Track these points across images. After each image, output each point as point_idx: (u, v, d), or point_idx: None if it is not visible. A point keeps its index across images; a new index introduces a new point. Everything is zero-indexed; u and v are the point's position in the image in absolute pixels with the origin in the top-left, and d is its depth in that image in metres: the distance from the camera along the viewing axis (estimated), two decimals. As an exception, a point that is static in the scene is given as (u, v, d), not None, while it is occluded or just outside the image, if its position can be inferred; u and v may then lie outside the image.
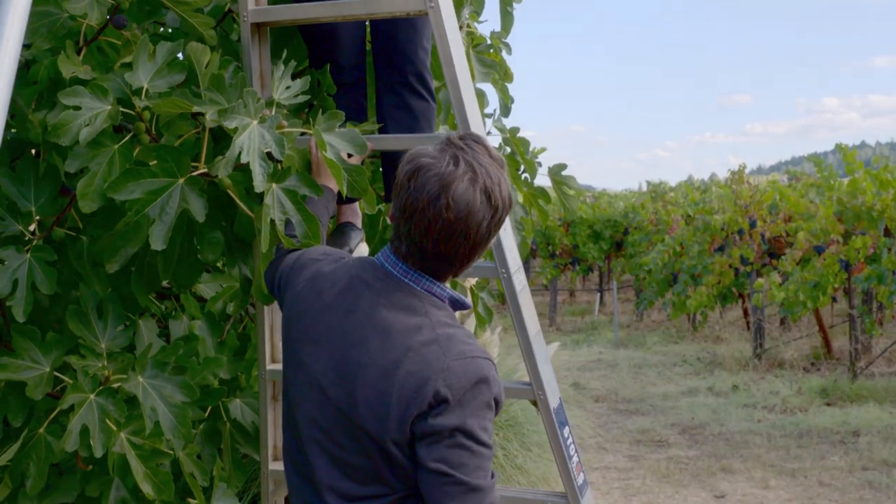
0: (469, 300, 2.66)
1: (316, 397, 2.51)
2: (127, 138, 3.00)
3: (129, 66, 3.09)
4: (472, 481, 2.33)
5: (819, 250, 12.80)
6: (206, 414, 3.62)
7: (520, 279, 3.25)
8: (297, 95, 3.13)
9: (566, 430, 3.31)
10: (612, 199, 24.08)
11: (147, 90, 2.99)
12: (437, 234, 2.38)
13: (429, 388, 2.33)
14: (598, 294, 23.95)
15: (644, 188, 24.14)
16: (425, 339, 2.40)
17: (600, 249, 21.95)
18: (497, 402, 2.42)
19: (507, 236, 3.23)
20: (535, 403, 3.32)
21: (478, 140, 2.46)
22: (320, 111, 3.01)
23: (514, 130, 4.44)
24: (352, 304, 2.51)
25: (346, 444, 2.45)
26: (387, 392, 2.37)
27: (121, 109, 2.96)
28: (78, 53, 3.19)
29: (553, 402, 3.28)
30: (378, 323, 2.44)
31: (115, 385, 3.09)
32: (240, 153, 2.77)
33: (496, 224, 2.43)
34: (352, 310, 2.50)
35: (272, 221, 2.88)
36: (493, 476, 2.42)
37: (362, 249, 3.72)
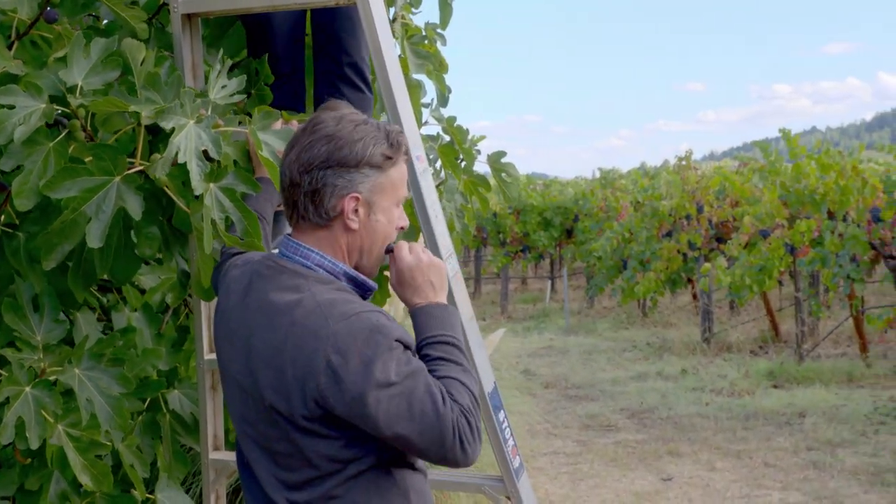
0: (374, 283, 2.66)
1: (238, 393, 2.57)
2: (62, 136, 3.00)
3: (62, 60, 3.09)
4: (426, 426, 2.35)
5: (764, 234, 12.93)
6: (146, 406, 3.64)
7: (452, 265, 3.28)
8: (232, 95, 3.15)
9: (501, 414, 3.34)
10: (562, 187, 24.15)
11: (82, 87, 2.99)
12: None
13: (318, 359, 2.35)
14: (550, 281, 24.04)
15: (596, 176, 24.28)
16: (306, 309, 2.41)
17: (551, 237, 22.02)
18: (402, 343, 2.40)
19: (439, 223, 3.26)
20: (469, 388, 3.34)
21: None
22: (256, 109, 3.03)
23: (451, 120, 4.49)
24: (248, 297, 2.57)
25: (269, 433, 2.48)
26: (282, 370, 2.40)
27: (55, 107, 2.96)
28: (9, 48, 3.19)
29: (487, 386, 3.31)
30: (266, 307, 2.49)
31: (52, 378, 3.10)
32: (177, 153, 2.79)
33: (306, 167, 2.49)
34: (248, 303, 2.56)
35: (213, 222, 2.90)
36: (438, 387, 2.39)
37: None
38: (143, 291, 3.98)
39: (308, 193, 2.50)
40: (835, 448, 8.95)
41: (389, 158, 2.51)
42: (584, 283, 24.03)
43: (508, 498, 3.41)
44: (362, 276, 2.59)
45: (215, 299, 3.02)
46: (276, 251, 2.64)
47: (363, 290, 2.60)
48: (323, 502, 2.48)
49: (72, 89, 2.97)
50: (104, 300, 4.00)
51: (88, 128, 3.06)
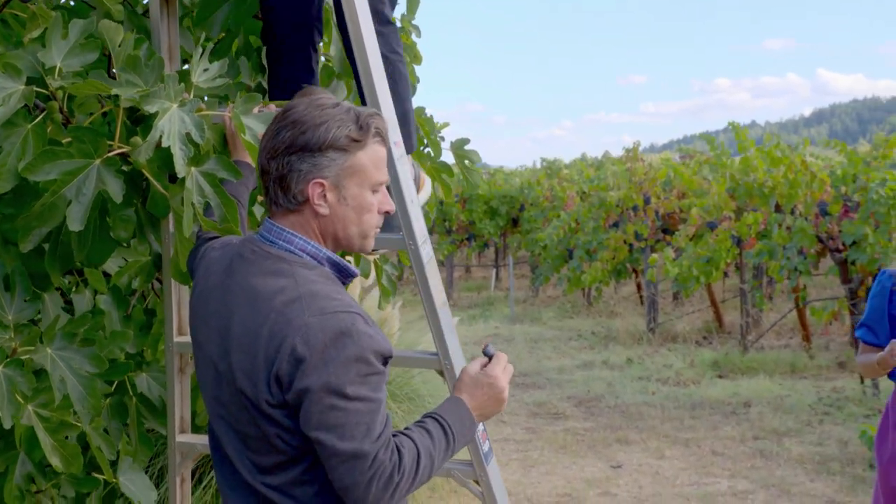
0: (356, 269, 2.66)
1: (212, 374, 2.56)
2: (40, 118, 2.98)
3: (37, 41, 3.07)
4: (349, 447, 2.32)
5: (712, 226, 13.05)
6: (113, 388, 3.62)
7: (427, 250, 3.30)
8: (215, 78, 3.14)
9: (472, 399, 3.36)
10: (507, 176, 24.19)
11: (61, 69, 2.97)
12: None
13: (286, 346, 2.34)
14: (494, 270, 24.11)
15: (539, 166, 24.33)
16: (288, 298, 2.41)
17: (496, 226, 22.07)
18: (377, 354, 2.39)
19: (415, 208, 3.27)
20: (441, 373, 3.36)
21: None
22: (239, 93, 3.03)
23: (420, 110, 4.52)
24: (230, 279, 2.55)
25: (239, 416, 2.48)
26: (255, 354, 2.39)
27: (35, 89, 2.94)
28: (-18, 26, 3.18)
29: (459, 371, 3.33)
30: (248, 291, 2.48)
31: (23, 357, 3.08)
32: (161, 137, 2.78)
33: (283, 148, 2.48)
34: (230, 285, 2.54)
35: (193, 205, 2.89)
36: (384, 427, 2.38)
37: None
38: (106, 274, 3.96)
39: (276, 179, 2.50)
40: (781, 437, 9.06)
41: (356, 141, 2.48)
42: (528, 272, 24.10)
43: (477, 482, 3.43)
44: (344, 262, 2.59)
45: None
46: (257, 235, 2.63)
47: (344, 276, 2.60)
48: (296, 486, 2.49)
49: (50, 71, 2.96)
50: (65, 282, 3.97)
51: (65, 110, 3.05)
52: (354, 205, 2.53)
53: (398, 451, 2.41)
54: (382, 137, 2.56)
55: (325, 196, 2.49)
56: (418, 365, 3.46)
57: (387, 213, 2.61)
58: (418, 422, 2.57)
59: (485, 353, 2.75)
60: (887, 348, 4.09)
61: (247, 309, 2.46)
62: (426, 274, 3.29)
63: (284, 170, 2.47)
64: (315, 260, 2.54)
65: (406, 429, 2.53)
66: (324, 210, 2.50)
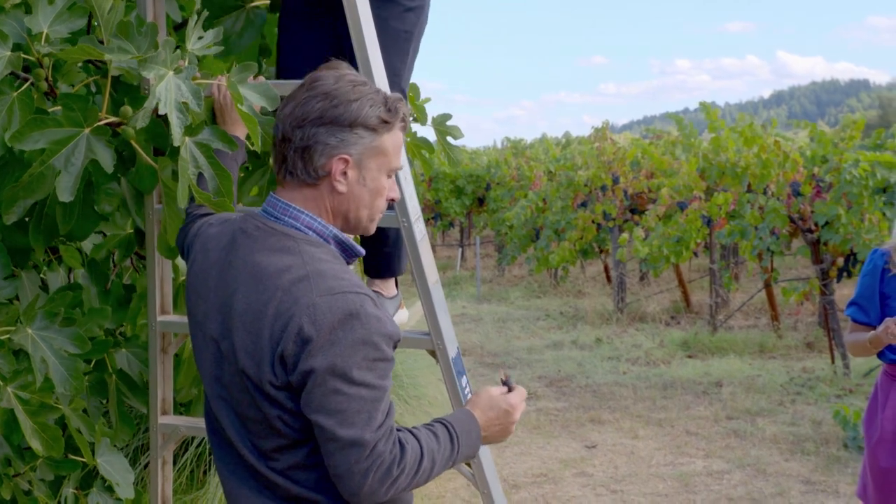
0: (361, 248, 2.59)
1: (212, 353, 2.49)
2: (26, 85, 2.88)
3: (18, 6, 2.97)
4: (348, 434, 2.26)
5: (682, 206, 13.05)
6: (92, 366, 3.54)
7: (420, 228, 3.23)
8: (210, 46, 3.04)
9: (464, 379, 3.32)
10: (473, 155, 24.17)
11: (48, 35, 2.87)
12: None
13: (293, 326, 2.28)
14: (460, 249, 24.10)
15: (499, 145, 24.35)
16: (295, 276, 2.35)
17: (462, 205, 22.08)
18: (386, 338, 2.33)
19: (408, 185, 3.21)
20: (433, 353, 3.31)
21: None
22: (234, 61, 2.93)
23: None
24: (232, 255, 2.49)
25: (240, 398, 2.42)
26: (260, 334, 2.34)
27: (22, 55, 2.84)
28: (-42, -9, 3.07)
29: (451, 351, 3.28)
30: (252, 268, 2.42)
31: (2, 337, 2.99)
32: (157, 104, 2.68)
33: (311, 117, 2.42)
34: (231, 260, 2.48)
35: (188, 176, 2.80)
36: (386, 417, 2.32)
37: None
38: (79, 250, 3.86)
39: (299, 150, 2.43)
40: (754, 417, 9.06)
41: (385, 122, 2.44)
42: (492, 252, 24.09)
43: (469, 464, 3.40)
44: (350, 241, 2.53)
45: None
46: (260, 210, 2.55)
47: (349, 255, 2.55)
48: (299, 471, 2.44)
49: (37, 37, 2.85)
50: (39, 259, 3.88)
51: (50, 78, 2.95)
52: (371, 187, 2.49)
53: (401, 445, 2.36)
54: (405, 125, 2.53)
55: (345, 173, 2.44)
56: (410, 345, 3.40)
57: (392, 200, 2.57)
58: (427, 424, 2.52)
59: (504, 383, 2.72)
60: (881, 326, 4.06)
61: (251, 286, 2.40)
62: (419, 251, 3.23)
63: (310, 141, 2.42)
64: (321, 238, 2.48)
65: (414, 427, 2.48)
66: (342, 188, 2.46)
